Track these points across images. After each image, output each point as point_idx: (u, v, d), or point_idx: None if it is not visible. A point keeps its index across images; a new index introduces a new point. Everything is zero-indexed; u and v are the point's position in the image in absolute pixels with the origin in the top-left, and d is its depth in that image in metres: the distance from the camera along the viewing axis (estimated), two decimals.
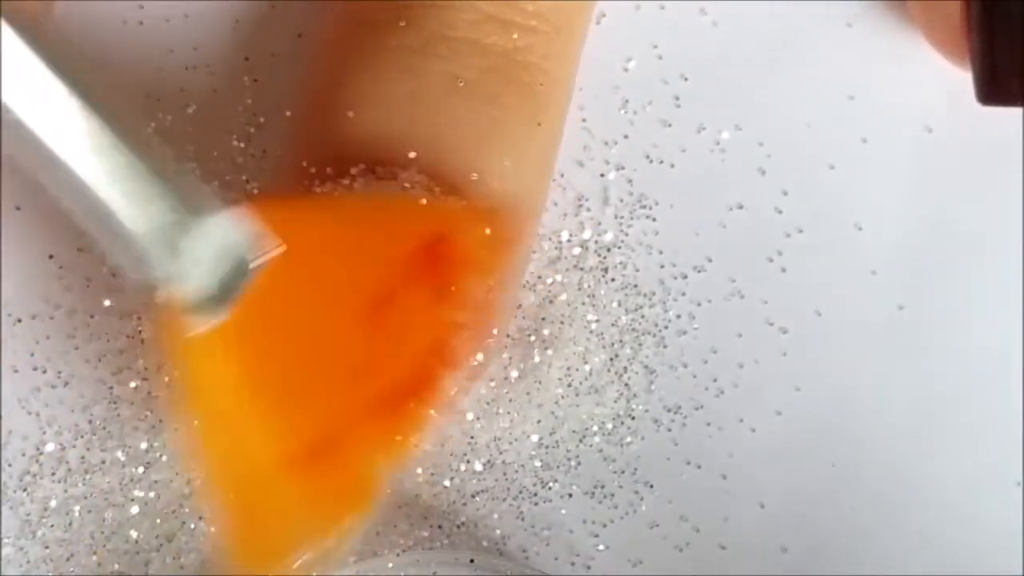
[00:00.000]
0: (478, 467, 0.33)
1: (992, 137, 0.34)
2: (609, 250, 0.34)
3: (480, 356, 0.29)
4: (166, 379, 0.31)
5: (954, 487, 0.34)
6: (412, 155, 0.29)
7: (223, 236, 0.26)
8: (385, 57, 0.30)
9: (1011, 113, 0.34)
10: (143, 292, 0.26)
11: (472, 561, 0.32)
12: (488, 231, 0.28)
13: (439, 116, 0.29)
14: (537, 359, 0.33)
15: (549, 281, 0.33)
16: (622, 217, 0.34)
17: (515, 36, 0.30)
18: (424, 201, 0.28)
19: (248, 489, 0.28)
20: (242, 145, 0.33)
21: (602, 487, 0.33)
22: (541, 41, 0.30)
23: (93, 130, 0.25)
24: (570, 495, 0.33)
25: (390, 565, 0.32)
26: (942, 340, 0.34)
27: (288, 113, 0.32)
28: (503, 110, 0.30)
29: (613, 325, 0.34)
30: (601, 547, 0.33)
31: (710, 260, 0.34)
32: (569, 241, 0.34)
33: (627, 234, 0.34)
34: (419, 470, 0.33)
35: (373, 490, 0.29)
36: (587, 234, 0.34)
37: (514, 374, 0.33)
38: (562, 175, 0.34)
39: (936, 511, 0.34)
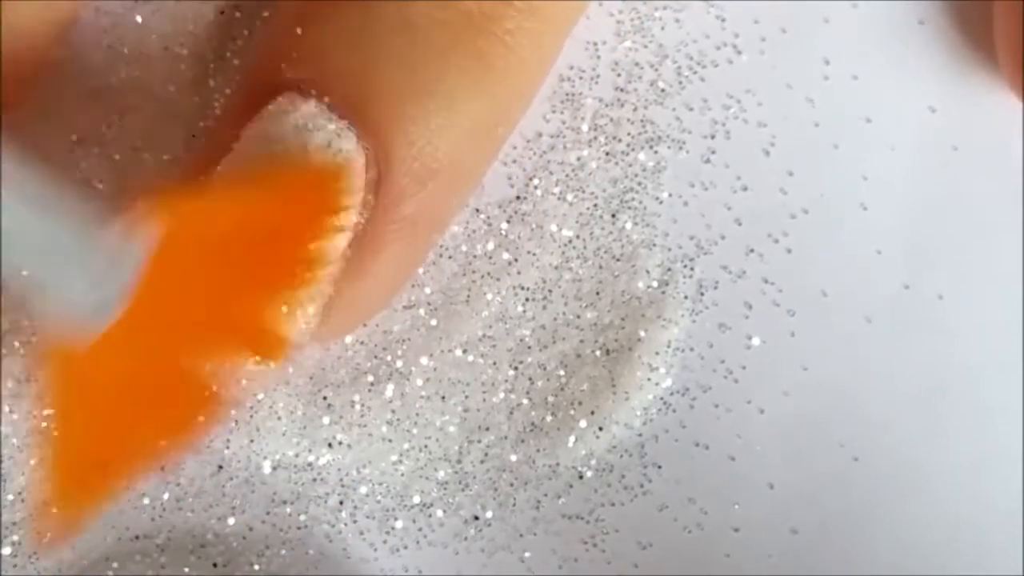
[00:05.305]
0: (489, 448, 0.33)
1: (996, 116, 0.34)
2: (612, 233, 0.34)
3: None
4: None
5: (963, 465, 0.34)
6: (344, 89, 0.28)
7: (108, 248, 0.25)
8: None
9: (1016, 92, 0.34)
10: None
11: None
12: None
13: (380, 52, 0.29)
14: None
15: (555, 265, 0.33)
16: (625, 199, 0.34)
17: (484, 1, 0.29)
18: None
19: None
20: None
21: (610, 469, 0.33)
22: (512, 15, 0.30)
23: None
24: (580, 476, 0.33)
25: None
26: (948, 318, 0.34)
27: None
28: (447, 68, 0.29)
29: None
30: (609, 529, 0.33)
31: (715, 242, 0.34)
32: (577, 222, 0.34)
33: (631, 216, 0.34)
34: (420, 454, 0.33)
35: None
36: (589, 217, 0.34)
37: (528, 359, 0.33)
38: (560, 160, 0.33)
39: (945, 489, 0.34)
